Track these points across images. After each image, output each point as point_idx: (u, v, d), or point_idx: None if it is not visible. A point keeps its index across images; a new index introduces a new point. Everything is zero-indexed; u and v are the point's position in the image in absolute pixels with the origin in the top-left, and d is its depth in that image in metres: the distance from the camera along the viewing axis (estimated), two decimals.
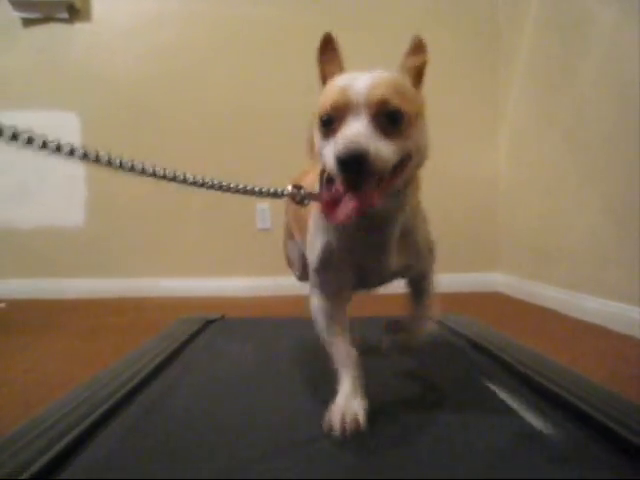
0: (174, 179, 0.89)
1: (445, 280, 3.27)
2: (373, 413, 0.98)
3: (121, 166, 0.83)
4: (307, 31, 3.18)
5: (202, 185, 0.93)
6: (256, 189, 0.98)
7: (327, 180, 0.93)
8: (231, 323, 2.02)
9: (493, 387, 1.20)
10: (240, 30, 3.27)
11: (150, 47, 3.28)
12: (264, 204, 3.15)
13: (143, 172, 0.86)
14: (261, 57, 3.25)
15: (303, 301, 1.15)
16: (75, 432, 0.92)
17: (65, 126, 3.21)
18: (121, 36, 3.28)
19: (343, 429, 0.91)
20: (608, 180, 2.22)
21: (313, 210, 1.05)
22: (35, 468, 0.79)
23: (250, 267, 3.23)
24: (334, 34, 0.97)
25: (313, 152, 0.95)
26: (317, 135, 0.90)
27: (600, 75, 2.26)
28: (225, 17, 3.29)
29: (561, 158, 2.60)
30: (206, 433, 0.96)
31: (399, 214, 0.97)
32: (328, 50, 0.97)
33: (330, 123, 0.85)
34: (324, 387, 1.04)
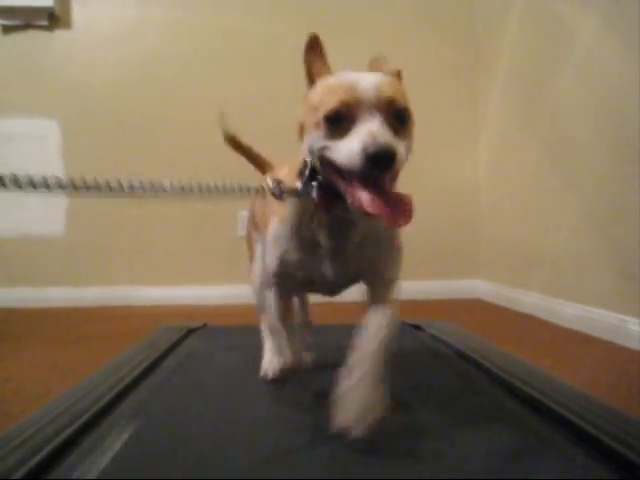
0: (154, 189, 0.87)
1: (426, 287, 3.32)
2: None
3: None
4: (290, 40, 3.19)
5: (182, 191, 0.92)
6: (236, 188, 0.96)
7: (309, 176, 0.96)
8: (213, 331, 2.02)
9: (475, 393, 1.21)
10: (222, 38, 3.28)
11: (131, 55, 3.27)
12: (245, 212, 3.15)
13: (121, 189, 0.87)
14: (244, 65, 3.26)
15: None
16: (56, 442, 0.91)
17: (46, 134, 3.18)
18: (101, 44, 3.26)
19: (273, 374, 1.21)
20: (586, 188, 2.25)
21: (275, 212, 1.08)
22: (15, 478, 0.78)
23: (232, 275, 3.21)
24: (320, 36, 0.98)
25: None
26: (317, 133, 0.88)
27: (578, 84, 2.30)
28: (206, 25, 3.29)
29: (540, 167, 2.64)
30: (188, 442, 0.96)
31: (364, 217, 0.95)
32: (314, 50, 0.98)
33: (339, 121, 0.85)
34: (307, 393, 1.04)
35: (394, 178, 0.86)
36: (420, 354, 1.59)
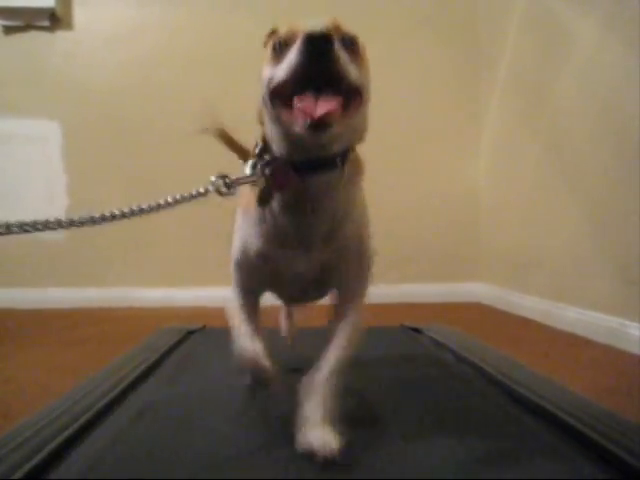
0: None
1: (426, 290, 3.32)
2: (358, 426, 0.98)
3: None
4: None
5: (114, 218, 0.90)
6: (174, 198, 0.99)
7: (260, 151, 0.94)
8: (212, 333, 2.01)
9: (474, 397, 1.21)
10: (223, 40, 3.28)
11: (132, 56, 3.27)
12: None
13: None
14: (244, 67, 3.24)
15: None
16: (55, 443, 0.91)
17: (47, 135, 3.19)
18: (103, 44, 3.26)
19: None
20: (587, 192, 2.25)
21: (239, 205, 1.08)
22: (15, 478, 0.78)
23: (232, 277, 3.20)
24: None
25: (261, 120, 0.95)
26: (265, 72, 0.87)
27: (579, 87, 2.30)
28: (208, 26, 3.29)
29: (541, 170, 2.64)
30: (188, 443, 0.96)
31: (332, 192, 0.92)
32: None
33: (284, 48, 0.83)
34: None
35: (354, 104, 0.83)
36: (419, 357, 1.58)
